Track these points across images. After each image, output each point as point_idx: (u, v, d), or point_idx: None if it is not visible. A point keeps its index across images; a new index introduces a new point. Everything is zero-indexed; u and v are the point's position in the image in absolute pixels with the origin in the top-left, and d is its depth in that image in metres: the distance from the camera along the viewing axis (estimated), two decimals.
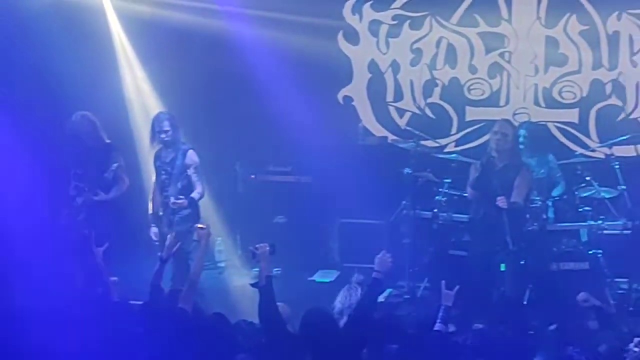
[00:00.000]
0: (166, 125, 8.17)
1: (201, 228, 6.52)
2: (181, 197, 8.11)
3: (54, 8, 9.56)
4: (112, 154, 8.36)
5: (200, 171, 8.25)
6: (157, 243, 8.14)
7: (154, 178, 8.36)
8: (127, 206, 8.53)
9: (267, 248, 5.88)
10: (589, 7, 9.56)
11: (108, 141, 8.43)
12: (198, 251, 6.50)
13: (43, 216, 8.15)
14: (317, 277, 9.63)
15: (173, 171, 8.17)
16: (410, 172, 9.02)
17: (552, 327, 6.49)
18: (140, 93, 9.81)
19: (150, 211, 8.31)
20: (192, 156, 8.21)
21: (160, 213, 8.23)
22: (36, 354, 5.40)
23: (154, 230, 8.25)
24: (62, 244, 7.84)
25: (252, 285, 5.87)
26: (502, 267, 8.10)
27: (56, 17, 9.53)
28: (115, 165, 8.25)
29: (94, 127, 8.38)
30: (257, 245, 5.92)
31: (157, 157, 8.32)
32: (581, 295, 6.59)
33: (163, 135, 8.18)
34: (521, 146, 8.61)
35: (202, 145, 8.52)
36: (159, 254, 6.61)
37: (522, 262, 8.10)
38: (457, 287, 5.97)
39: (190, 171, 8.17)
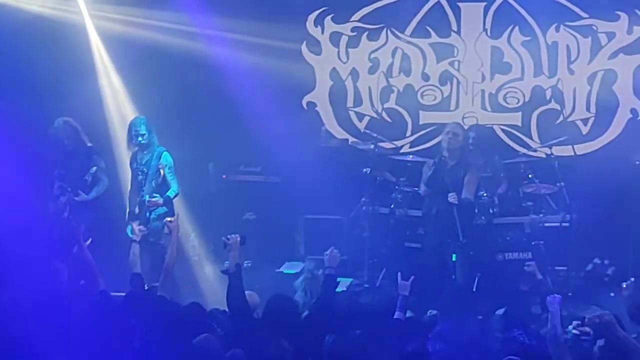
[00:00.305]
0: (142, 129, 8.11)
1: (170, 221, 6.49)
2: (156, 195, 8.04)
3: (38, 23, 9.53)
4: (94, 157, 8.31)
5: (174, 171, 8.18)
6: (135, 239, 8.05)
7: (130, 179, 8.27)
8: (107, 205, 8.45)
9: (238, 239, 5.90)
10: (530, 20, 9.65)
11: (90, 145, 8.35)
12: (170, 242, 6.44)
13: (31, 211, 8.05)
14: (284, 268, 9.60)
15: (149, 172, 8.12)
16: (369, 171, 9.04)
17: (500, 311, 6.50)
18: (117, 100, 9.71)
19: (127, 210, 8.22)
20: (166, 157, 8.15)
21: (137, 211, 8.14)
22: (24, 344, 5.29)
23: (131, 226, 8.15)
24: (49, 237, 7.77)
25: (223, 272, 5.90)
26: (454, 258, 8.14)
27: (40, 32, 9.51)
28: (94, 168, 8.22)
29: (76, 131, 8.33)
30: (228, 236, 5.93)
31: (133, 159, 8.26)
32: (529, 265, 6.63)
33: (139, 139, 8.13)
34: (470, 147, 8.63)
35: (176, 147, 8.46)
36: (132, 236, 6.62)
37: (471, 253, 8.17)
38: (412, 277, 6.01)
39: (165, 172, 8.10)
